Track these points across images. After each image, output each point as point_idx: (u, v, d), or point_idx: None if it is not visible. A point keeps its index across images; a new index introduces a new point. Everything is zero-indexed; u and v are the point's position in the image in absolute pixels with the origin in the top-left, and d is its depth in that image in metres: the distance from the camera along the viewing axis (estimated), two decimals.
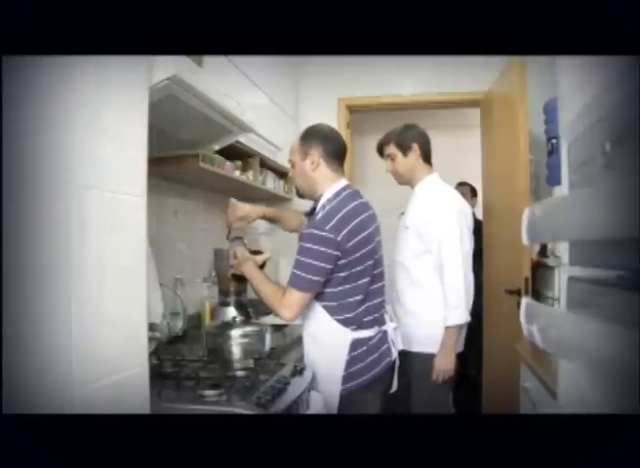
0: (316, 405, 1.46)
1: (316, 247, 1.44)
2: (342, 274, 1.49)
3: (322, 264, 1.45)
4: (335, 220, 1.46)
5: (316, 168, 1.58)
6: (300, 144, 1.61)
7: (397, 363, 1.66)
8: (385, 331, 1.62)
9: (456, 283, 1.91)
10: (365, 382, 1.52)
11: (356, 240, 1.49)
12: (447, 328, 1.92)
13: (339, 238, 1.45)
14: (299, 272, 1.46)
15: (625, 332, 0.59)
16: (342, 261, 1.48)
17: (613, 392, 0.72)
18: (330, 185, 1.58)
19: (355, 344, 1.51)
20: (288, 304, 1.48)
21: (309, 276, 1.45)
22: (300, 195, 1.73)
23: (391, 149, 2.08)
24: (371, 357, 1.54)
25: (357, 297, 1.53)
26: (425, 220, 1.96)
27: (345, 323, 1.51)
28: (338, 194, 1.56)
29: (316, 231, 1.45)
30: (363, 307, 1.54)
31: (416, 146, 2.05)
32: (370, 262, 1.54)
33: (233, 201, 1.83)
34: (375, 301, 1.59)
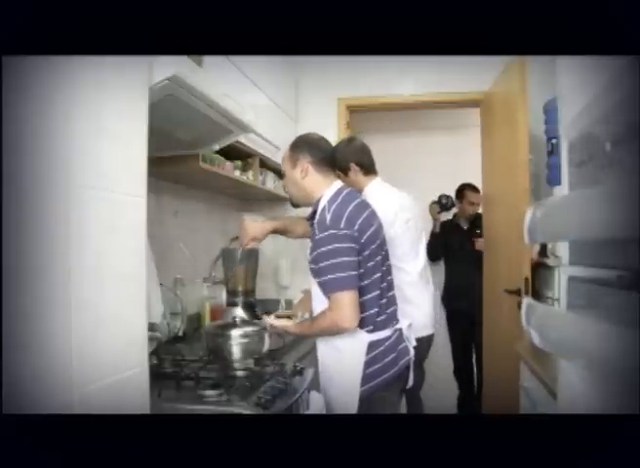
0: (316, 405, 1.46)
1: (338, 244, 1.44)
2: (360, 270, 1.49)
3: (352, 258, 1.45)
4: (345, 217, 1.48)
5: (306, 175, 1.60)
6: (289, 154, 1.64)
7: (412, 359, 1.67)
8: (401, 330, 1.62)
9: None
10: (384, 382, 1.52)
11: (367, 235, 1.51)
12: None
13: (355, 233, 1.47)
14: (334, 275, 1.44)
15: (625, 332, 0.59)
16: (359, 257, 1.48)
17: (613, 392, 0.72)
18: (324, 189, 1.60)
19: (372, 346, 1.51)
20: (340, 310, 1.43)
21: (345, 273, 1.43)
22: (295, 204, 1.74)
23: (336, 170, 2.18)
24: (388, 357, 1.54)
25: (374, 294, 1.53)
26: None
27: (361, 324, 1.49)
28: (338, 193, 1.57)
29: (333, 231, 1.45)
30: (377, 304, 1.54)
31: (353, 165, 2.15)
32: (379, 258, 1.56)
33: (247, 220, 1.78)
34: (387, 298, 1.60)
